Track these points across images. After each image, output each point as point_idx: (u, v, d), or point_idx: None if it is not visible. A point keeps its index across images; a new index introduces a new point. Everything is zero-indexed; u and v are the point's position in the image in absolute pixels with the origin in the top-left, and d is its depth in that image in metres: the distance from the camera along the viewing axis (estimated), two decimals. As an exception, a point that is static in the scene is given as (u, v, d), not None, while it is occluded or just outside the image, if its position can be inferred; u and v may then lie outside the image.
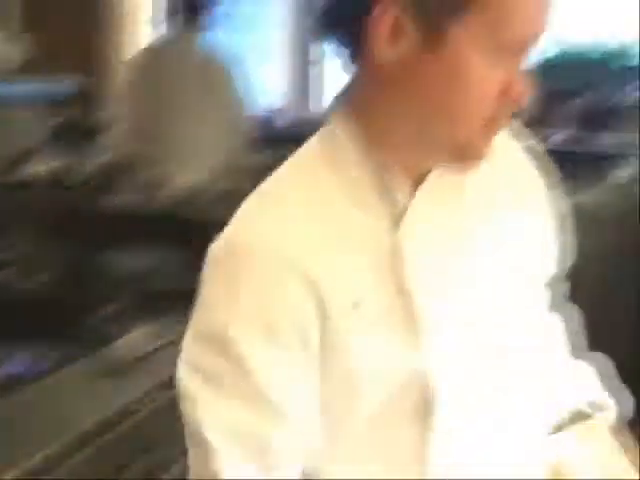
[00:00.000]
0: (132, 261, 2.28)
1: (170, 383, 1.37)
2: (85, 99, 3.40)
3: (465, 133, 0.92)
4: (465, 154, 0.94)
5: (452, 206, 0.98)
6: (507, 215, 1.02)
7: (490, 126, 0.91)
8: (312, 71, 4.78)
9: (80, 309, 1.98)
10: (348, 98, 0.94)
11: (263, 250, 0.89)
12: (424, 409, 0.93)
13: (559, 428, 1.11)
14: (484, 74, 0.88)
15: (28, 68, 2.74)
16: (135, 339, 1.85)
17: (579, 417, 1.11)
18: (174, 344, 1.48)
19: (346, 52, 0.90)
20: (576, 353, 1.15)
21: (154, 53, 3.42)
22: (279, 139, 2.70)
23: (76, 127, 3.45)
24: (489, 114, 0.90)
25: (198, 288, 0.92)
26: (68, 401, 1.69)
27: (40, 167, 2.95)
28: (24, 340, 1.85)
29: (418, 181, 0.95)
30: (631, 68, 4.08)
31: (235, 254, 0.91)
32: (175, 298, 1.78)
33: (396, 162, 0.94)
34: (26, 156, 2.95)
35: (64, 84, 2.98)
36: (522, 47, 0.89)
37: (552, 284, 1.07)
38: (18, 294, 2.08)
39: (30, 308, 1.98)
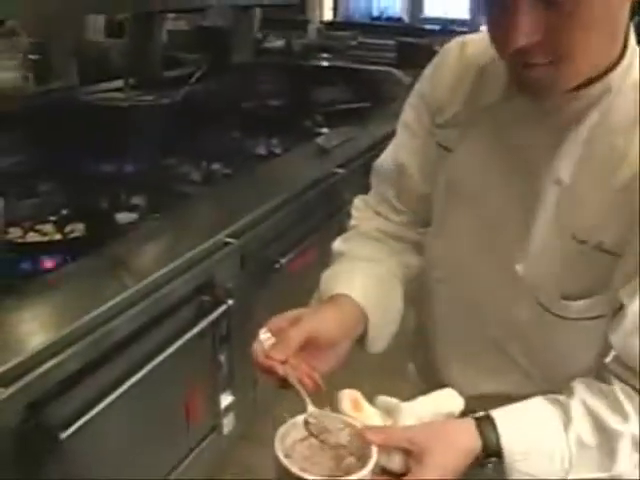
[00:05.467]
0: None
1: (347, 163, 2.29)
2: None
3: (503, 58, 0.96)
4: (513, 80, 1.00)
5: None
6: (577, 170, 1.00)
7: (517, 59, 0.91)
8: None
9: (299, 118, 3.09)
10: None
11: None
12: None
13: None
14: (490, 10, 0.92)
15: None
16: (328, 136, 2.82)
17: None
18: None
19: None
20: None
21: None
22: None
23: None
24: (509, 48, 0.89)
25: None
26: (294, 168, 2.55)
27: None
28: (271, 134, 2.89)
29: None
30: None
31: None
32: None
33: None
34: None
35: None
36: None
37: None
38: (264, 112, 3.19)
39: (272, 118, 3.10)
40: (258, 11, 3.85)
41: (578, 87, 0.97)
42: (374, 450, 0.89)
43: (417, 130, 1.22)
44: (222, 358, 1.96)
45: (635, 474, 0.99)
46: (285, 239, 2.19)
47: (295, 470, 0.85)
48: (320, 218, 2.34)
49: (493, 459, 0.96)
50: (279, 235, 2.15)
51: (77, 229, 1.90)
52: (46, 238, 1.85)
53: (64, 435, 1.39)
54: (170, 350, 1.66)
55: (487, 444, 0.95)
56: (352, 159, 2.61)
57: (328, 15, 5.41)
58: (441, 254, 1.20)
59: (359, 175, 2.32)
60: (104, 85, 2.95)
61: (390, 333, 1.19)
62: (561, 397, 1.01)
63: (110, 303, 1.52)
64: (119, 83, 2.93)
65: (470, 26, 5.01)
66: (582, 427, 0.97)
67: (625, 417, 0.97)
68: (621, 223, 0.97)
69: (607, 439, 0.97)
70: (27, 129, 2.45)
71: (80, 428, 1.42)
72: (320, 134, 2.88)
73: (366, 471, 0.86)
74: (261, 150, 2.76)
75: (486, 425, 0.96)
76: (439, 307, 1.23)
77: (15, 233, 1.84)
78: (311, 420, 0.92)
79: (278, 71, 3.66)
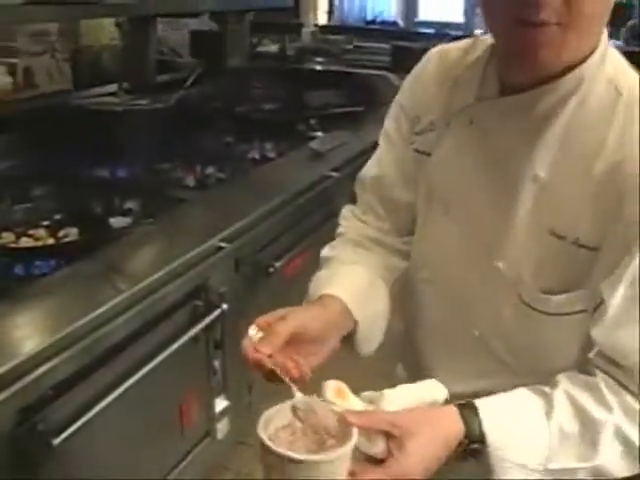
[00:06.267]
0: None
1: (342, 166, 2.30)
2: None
3: (496, 28, 0.99)
4: (504, 50, 1.01)
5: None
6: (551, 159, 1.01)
7: (528, 16, 0.91)
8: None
9: (293, 122, 3.08)
10: None
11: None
12: None
13: None
14: None
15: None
16: (322, 140, 2.84)
17: None
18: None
19: None
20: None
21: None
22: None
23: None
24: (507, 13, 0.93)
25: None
26: (288, 171, 2.54)
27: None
28: (265, 138, 2.87)
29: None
30: None
31: None
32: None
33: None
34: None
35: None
36: None
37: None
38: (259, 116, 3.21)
39: (266, 122, 3.10)
40: (252, 15, 3.85)
41: (554, 77, 0.99)
42: (354, 431, 0.89)
43: (397, 140, 1.26)
44: (216, 362, 1.95)
45: (618, 466, 0.99)
46: (279, 243, 2.18)
47: (279, 450, 0.86)
48: (314, 222, 2.33)
49: (475, 445, 0.96)
50: (273, 239, 2.15)
51: (71, 233, 1.89)
52: (39, 243, 1.85)
53: (57, 440, 1.38)
54: (164, 354, 1.66)
55: (469, 430, 0.96)
56: (346, 163, 2.61)
57: (322, 19, 5.41)
58: (425, 255, 1.23)
59: (353, 179, 2.30)
60: (98, 89, 2.94)
61: (378, 333, 1.22)
62: (545, 388, 1.02)
63: (104, 307, 1.52)
64: (113, 87, 2.92)
65: (465, 29, 5.02)
66: (564, 416, 0.98)
67: (608, 408, 0.97)
68: (597, 217, 0.98)
69: (589, 429, 0.97)
70: (20, 133, 2.44)
71: (74, 433, 1.42)
72: (314, 138, 2.88)
73: (344, 450, 0.88)
74: (255, 154, 2.76)
75: (469, 411, 0.97)
76: (425, 308, 1.25)
77: (8, 238, 1.84)
78: (299, 405, 0.94)
79: (272, 75, 3.66)
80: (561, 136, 1.01)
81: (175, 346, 1.69)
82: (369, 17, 6.00)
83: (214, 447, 2.04)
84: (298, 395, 0.96)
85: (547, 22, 0.91)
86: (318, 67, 3.93)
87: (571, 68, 0.99)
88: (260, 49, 4.09)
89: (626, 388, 0.99)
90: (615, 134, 0.98)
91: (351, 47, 4.37)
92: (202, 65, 3.24)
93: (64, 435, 1.39)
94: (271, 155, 2.76)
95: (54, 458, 1.39)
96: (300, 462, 0.85)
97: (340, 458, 0.88)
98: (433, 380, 1.06)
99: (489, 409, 0.98)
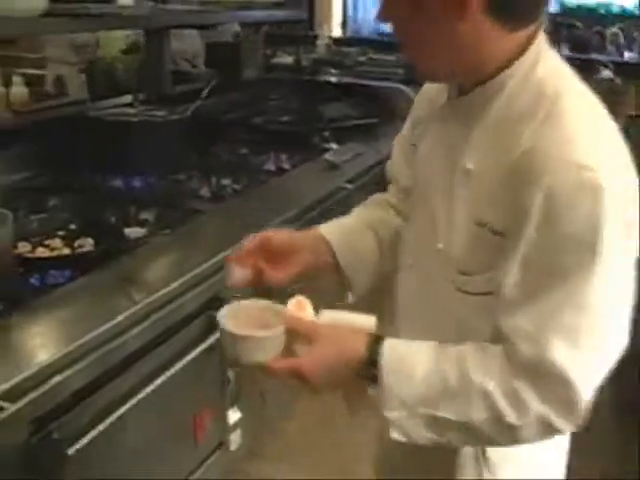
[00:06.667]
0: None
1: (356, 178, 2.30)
2: None
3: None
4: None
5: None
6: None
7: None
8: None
9: (308, 134, 3.10)
10: None
11: None
12: None
13: None
14: None
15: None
16: (337, 152, 2.85)
17: None
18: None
19: None
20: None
21: None
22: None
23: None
24: None
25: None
26: (303, 183, 2.57)
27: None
28: (280, 149, 2.87)
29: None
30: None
31: None
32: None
33: None
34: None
35: None
36: None
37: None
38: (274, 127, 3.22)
39: (281, 134, 3.11)
40: (267, 26, 3.87)
41: (483, 81, 1.12)
42: (281, 325, 1.13)
43: (404, 138, 1.41)
44: (230, 374, 1.95)
45: (491, 430, 1.06)
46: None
47: (226, 327, 1.13)
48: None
49: (372, 369, 1.07)
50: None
51: (86, 244, 1.90)
52: (55, 253, 1.85)
53: (72, 450, 1.39)
54: (178, 365, 1.66)
55: (370, 354, 1.08)
56: (361, 174, 2.63)
57: (337, 31, 5.42)
58: (407, 240, 1.33)
59: (368, 190, 2.31)
60: (114, 100, 2.96)
61: (366, 273, 1.38)
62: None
63: (119, 318, 1.53)
64: (128, 98, 2.94)
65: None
66: (450, 368, 1.06)
67: (488, 374, 1.04)
68: (506, 204, 1.05)
69: (466, 386, 1.05)
70: (36, 144, 2.46)
71: (88, 443, 1.42)
72: (329, 149, 2.90)
73: (266, 333, 1.12)
74: (270, 166, 2.77)
75: (375, 339, 1.10)
76: (406, 293, 1.33)
77: (24, 248, 1.84)
78: (258, 305, 1.21)
79: (287, 87, 3.67)
80: (489, 132, 1.12)
81: (189, 357, 1.70)
82: (383, 29, 6.00)
83: (227, 458, 2.03)
84: (262, 301, 1.22)
85: (402, 48, 1.14)
86: (332, 79, 3.94)
87: (499, 71, 1.11)
88: (275, 61, 4.10)
89: (518, 365, 1.04)
90: (532, 128, 1.05)
91: (365, 59, 4.37)
92: (217, 76, 3.25)
93: (78, 445, 1.40)
94: (286, 166, 2.77)
95: (69, 467, 1.40)
96: (239, 337, 1.12)
97: (265, 339, 1.12)
98: (371, 317, 1.20)
99: (392, 343, 1.10)
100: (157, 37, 3.19)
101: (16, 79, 2.87)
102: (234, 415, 2.01)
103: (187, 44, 3.61)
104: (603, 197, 0.98)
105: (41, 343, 1.46)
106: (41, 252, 1.85)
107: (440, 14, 1.04)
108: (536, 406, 1.02)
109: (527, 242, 1.02)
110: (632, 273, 1.06)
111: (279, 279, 1.28)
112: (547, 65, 1.12)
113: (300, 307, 1.20)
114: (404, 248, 1.33)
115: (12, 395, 1.27)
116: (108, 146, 2.40)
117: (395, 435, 1.08)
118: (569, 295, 1.01)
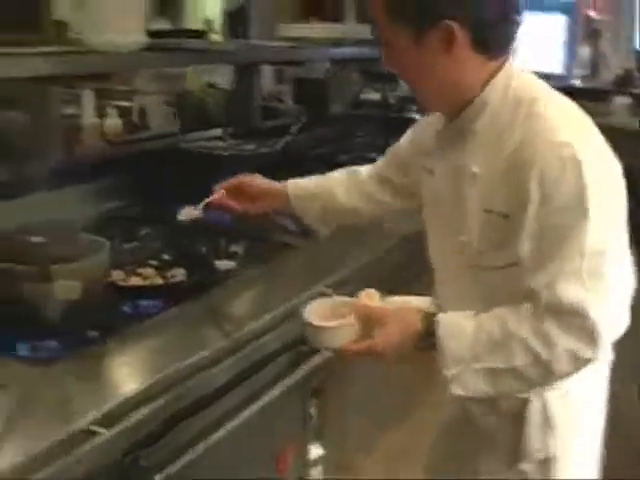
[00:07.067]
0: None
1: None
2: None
3: None
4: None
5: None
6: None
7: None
8: None
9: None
10: None
11: None
12: None
13: None
14: None
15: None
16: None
17: None
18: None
19: None
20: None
21: None
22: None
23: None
24: None
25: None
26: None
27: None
28: None
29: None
30: None
31: None
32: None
33: None
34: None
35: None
36: None
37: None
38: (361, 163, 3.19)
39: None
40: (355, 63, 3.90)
41: (464, 107, 1.38)
42: (352, 315, 1.38)
43: (415, 133, 1.70)
44: (313, 410, 1.94)
45: (532, 370, 1.29)
46: (383, 289, 2.17)
47: (308, 319, 1.40)
48: (419, 268, 2.31)
49: (430, 338, 1.32)
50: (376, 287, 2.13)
51: (178, 274, 1.93)
52: (148, 282, 1.88)
53: (159, 477, 1.40)
54: (264, 399, 1.66)
55: (426, 326, 1.33)
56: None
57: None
58: (434, 256, 1.59)
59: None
60: (204, 133, 3.01)
61: (320, 209, 1.82)
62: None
63: (208, 350, 1.54)
64: (218, 131, 2.99)
65: (563, 81, 4.92)
66: (492, 326, 1.30)
67: (522, 324, 1.28)
68: (508, 193, 1.30)
69: (507, 337, 1.28)
70: (129, 174, 2.51)
71: (172, 474, 1.43)
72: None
73: (338, 323, 1.38)
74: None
75: (426, 316, 1.36)
76: (442, 291, 1.59)
77: (118, 276, 1.87)
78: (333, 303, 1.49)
79: (374, 123, 3.67)
80: (484, 141, 1.37)
81: (275, 391, 1.69)
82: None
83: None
84: (336, 297, 1.54)
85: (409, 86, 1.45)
86: (418, 116, 3.92)
87: (476, 95, 1.37)
88: (363, 97, 4.11)
89: (543, 310, 1.27)
90: (517, 128, 1.31)
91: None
92: (306, 112, 3.28)
93: (164, 473, 1.41)
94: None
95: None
96: (317, 327, 1.38)
97: (338, 328, 1.37)
98: (426, 297, 1.58)
99: (443, 315, 1.35)
100: (247, 72, 3.25)
101: (110, 111, 2.95)
102: (316, 451, 2.00)
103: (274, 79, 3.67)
104: (582, 168, 1.24)
105: (132, 372, 1.49)
106: (135, 281, 1.88)
107: (430, 50, 1.30)
108: (562, 339, 1.26)
109: (532, 218, 1.27)
110: (622, 221, 1.33)
111: (246, 209, 1.79)
112: (520, 78, 1.38)
113: (369, 298, 1.44)
114: (435, 265, 1.58)
115: (107, 421, 1.30)
116: (199, 178, 2.43)
117: (456, 390, 1.31)
118: (571, 248, 1.25)
